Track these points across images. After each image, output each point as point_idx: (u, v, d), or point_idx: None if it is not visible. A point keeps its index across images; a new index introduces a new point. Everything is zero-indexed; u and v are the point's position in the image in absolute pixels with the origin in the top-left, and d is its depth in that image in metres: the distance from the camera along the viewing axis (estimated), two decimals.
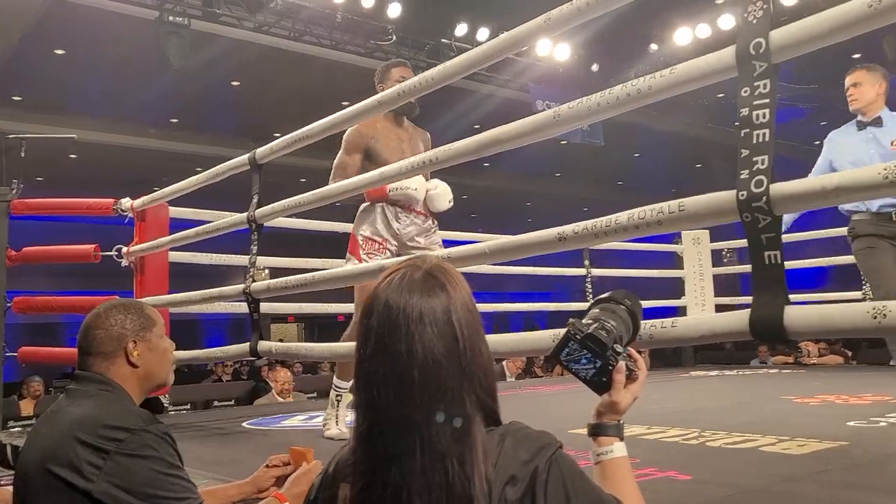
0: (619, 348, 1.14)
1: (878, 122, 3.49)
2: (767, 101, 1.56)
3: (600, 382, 1.15)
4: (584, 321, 1.17)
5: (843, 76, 3.61)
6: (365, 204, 3.41)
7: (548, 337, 1.94)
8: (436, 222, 3.59)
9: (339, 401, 3.30)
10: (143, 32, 7.83)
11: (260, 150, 3.34)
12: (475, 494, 0.91)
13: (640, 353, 1.22)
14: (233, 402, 6.61)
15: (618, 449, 1.13)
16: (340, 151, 3.41)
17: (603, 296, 1.24)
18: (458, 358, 0.96)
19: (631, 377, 1.16)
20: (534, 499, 0.93)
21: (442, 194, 3.44)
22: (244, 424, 3.91)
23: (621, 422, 1.16)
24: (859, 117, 3.57)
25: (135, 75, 9.15)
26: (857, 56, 9.04)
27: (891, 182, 1.40)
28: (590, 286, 6.10)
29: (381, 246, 3.36)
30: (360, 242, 3.39)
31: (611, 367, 1.14)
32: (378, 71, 3.51)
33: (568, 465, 0.97)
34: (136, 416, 1.59)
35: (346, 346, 2.90)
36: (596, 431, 1.15)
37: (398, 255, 3.27)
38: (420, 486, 0.92)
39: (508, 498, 0.93)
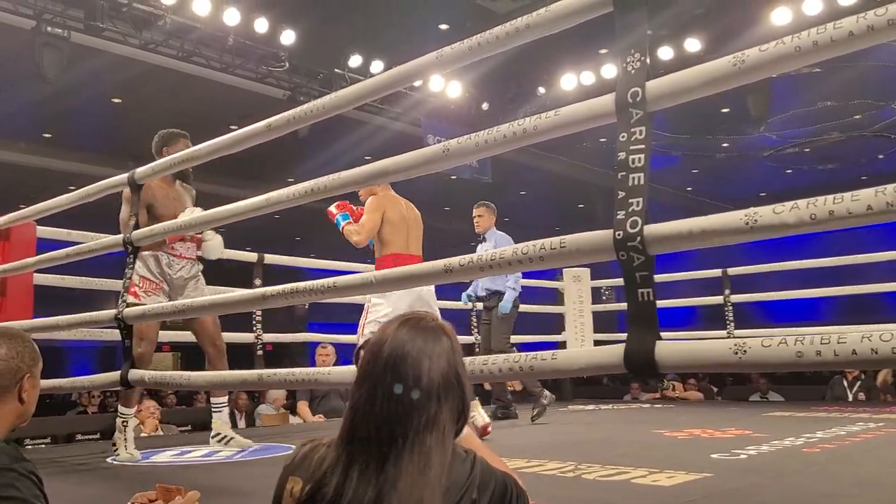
0: None
1: (483, 238, 5.33)
2: (643, 146, 1.65)
3: None
4: None
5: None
6: (143, 252, 3.67)
7: None
8: (201, 268, 3.95)
9: (125, 426, 3.66)
10: (17, 41, 7.38)
11: (140, 170, 3.22)
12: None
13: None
14: (98, 436, 6.21)
15: None
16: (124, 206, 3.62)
17: None
18: (450, 390, 1.16)
19: None
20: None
21: (217, 245, 3.91)
22: (109, 460, 3.67)
23: None
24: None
25: (5, 85, 8.59)
26: (725, 110, 9.71)
27: (751, 228, 1.51)
28: (475, 319, 6.17)
29: (156, 286, 3.72)
30: (137, 282, 3.66)
31: None
32: (164, 135, 3.86)
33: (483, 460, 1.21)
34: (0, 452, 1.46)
35: (227, 374, 2.80)
36: None
37: (170, 296, 3.66)
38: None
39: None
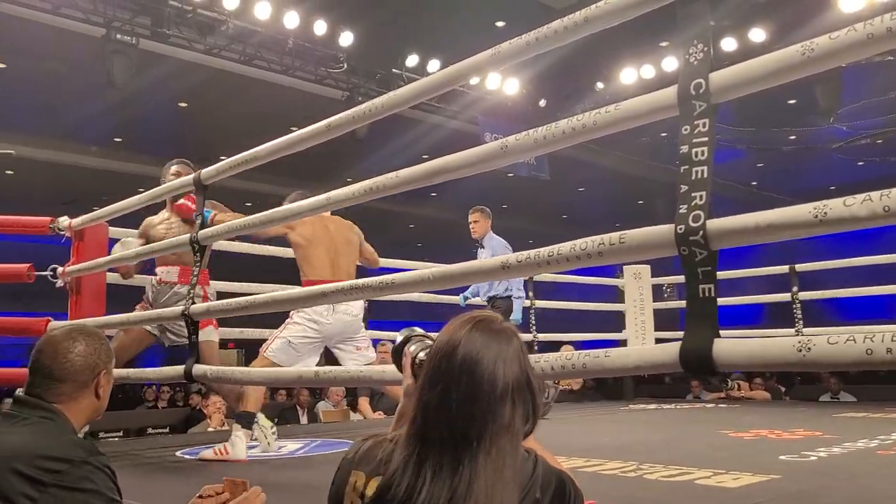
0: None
1: (481, 244, 5.46)
2: (706, 139, 1.61)
3: None
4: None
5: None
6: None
7: None
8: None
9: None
10: (88, 49, 7.67)
11: (206, 171, 3.29)
12: None
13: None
14: (167, 430, 6.41)
15: None
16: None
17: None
18: (522, 392, 1.16)
19: None
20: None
21: None
22: (178, 454, 3.79)
23: None
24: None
25: (77, 92, 8.95)
26: (792, 102, 9.41)
27: (820, 221, 1.46)
28: (533, 318, 6.14)
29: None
30: (144, 300, 3.99)
31: None
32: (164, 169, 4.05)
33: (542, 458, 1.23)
34: (76, 446, 1.52)
35: (285, 371, 2.84)
36: None
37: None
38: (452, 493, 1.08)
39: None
